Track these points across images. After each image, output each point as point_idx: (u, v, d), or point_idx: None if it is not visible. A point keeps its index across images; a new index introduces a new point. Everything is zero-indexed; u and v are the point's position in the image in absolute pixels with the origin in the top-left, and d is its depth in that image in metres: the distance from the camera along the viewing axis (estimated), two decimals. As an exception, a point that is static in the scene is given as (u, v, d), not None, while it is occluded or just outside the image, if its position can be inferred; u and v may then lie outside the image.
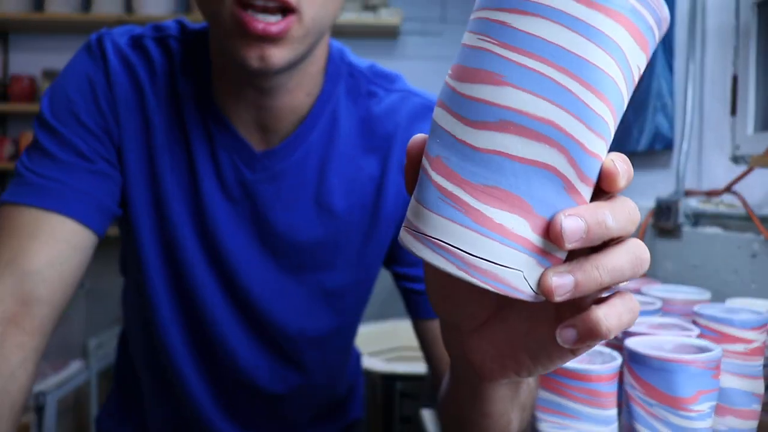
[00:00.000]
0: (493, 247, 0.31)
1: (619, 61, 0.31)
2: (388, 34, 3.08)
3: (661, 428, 0.68)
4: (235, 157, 0.72)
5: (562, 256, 0.33)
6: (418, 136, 0.35)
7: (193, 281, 0.75)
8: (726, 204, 1.35)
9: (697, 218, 1.44)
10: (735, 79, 1.41)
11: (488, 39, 0.31)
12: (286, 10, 0.60)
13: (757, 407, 0.77)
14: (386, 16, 2.90)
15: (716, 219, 1.36)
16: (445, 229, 0.31)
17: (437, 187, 0.32)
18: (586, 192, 0.32)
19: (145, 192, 0.73)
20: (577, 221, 0.30)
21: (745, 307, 0.85)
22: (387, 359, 1.99)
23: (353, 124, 0.75)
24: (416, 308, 0.77)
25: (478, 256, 0.31)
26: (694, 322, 0.81)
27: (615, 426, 0.75)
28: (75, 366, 2.37)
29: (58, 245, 0.64)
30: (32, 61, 3.12)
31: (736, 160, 1.35)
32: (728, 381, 0.77)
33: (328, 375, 0.86)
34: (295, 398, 0.84)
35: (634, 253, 0.32)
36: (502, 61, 0.30)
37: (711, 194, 1.39)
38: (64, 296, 0.65)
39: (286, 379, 0.82)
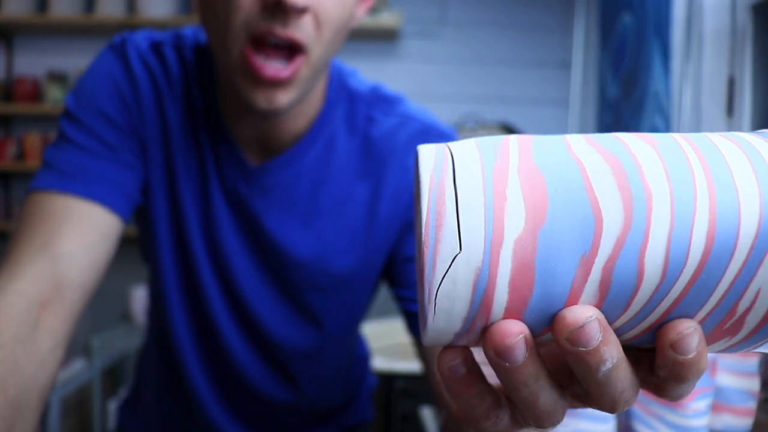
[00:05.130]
0: (475, 202, 0.25)
1: None
2: (388, 36, 3.08)
3: (658, 426, 0.69)
4: (235, 169, 0.74)
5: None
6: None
7: (199, 281, 0.77)
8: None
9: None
10: (731, 81, 1.42)
11: None
12: (295, 49, 0.62)
13: (752, 405, 0.78)
14: (386, 18, 2.91)
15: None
16: (469, 153, 0.26)
17: None
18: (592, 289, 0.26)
19: (163, 190, 0.75)
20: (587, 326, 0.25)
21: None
22: (386, 357, 2.00)
23: (351, 149, 0.76)
24: (418, 329, 0.76)
25: (457, 187, 0.25)
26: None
27: (612, 424, 0.76)
28: (78, 364, 2.37)
29: (87, 230, 0.65)
30: (36, 63, 3.13)
31: (733, 161, 1.36)
32: (724, 379, 0.78)
33: (320, 387, 0.86)
34: (288, 405, 0.85)
35: None
36: None
37: (708, 195, 1.40)
38: (93, 282, 0.66)
39: (279, 384, 0.84)
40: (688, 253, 0.25)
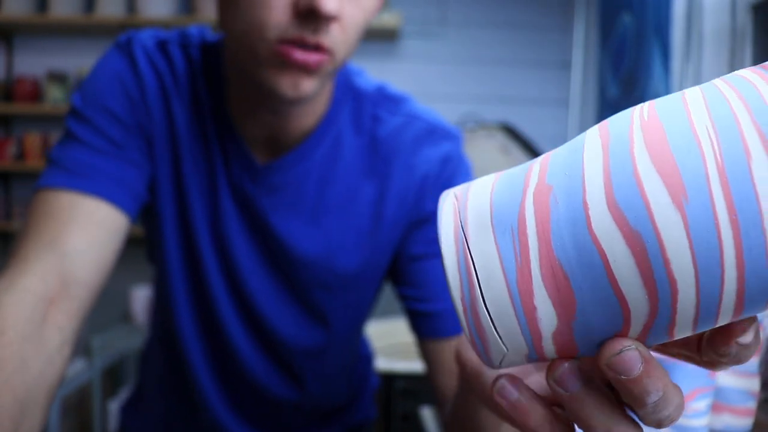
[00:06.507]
0: (509, 319, 0.27)
1: None
2: (388, 36, 3.08)
3: (658, 425, 0.69)
4: (243, 168, 0.74)
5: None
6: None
7: (206, 280, 0.77)
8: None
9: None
10: (732, 82, 1.42)
11: None
12: (320, 49, 0.63)
13: (752, 405, 0.78)
14: (386, 18, 2.91)
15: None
16: (490, 261, 0.28)
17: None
18: None
19: (171, 188, 0.75)
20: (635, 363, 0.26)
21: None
22: (387, 357, 2.00)
23: (357, 148, 0.77)
24: (422, 328, 0.77)
25: (488, 309, 0.28)
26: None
27: (613, 423, 0.77)
28: (78, 365, 2.37)
29: (95, 228, 0.65)
30: (36, 63, 3.14)
31: (733, 161, 1.37)
32: (724, 379, 0.78)
33: (325, 386, 0.87)
34: (293, 404, 0.85)
35: None
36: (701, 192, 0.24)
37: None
38: (100, 280, 0.66)
39: (284, 383, 0.84)
40: (715, 320, 0.26)
